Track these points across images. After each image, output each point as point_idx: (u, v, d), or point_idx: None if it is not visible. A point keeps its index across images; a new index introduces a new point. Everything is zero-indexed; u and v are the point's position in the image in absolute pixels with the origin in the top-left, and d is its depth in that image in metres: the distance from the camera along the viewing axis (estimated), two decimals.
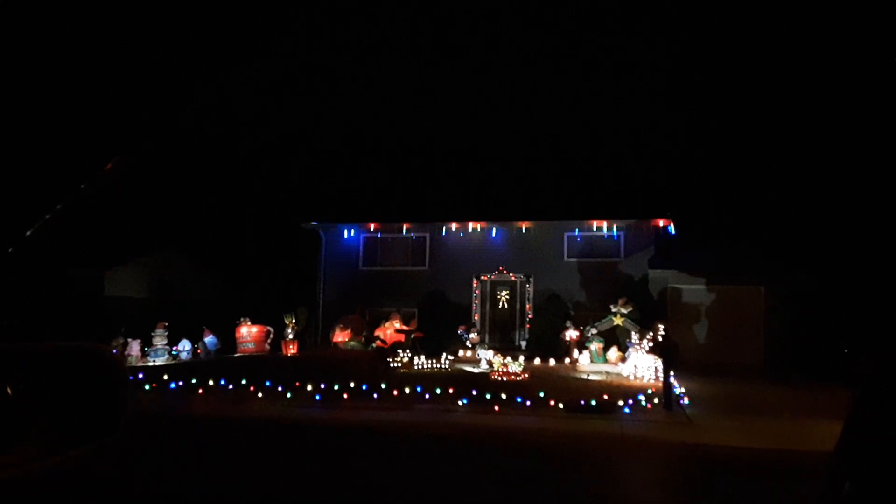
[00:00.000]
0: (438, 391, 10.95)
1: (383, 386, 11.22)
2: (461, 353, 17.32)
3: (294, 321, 18.09)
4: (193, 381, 11.96)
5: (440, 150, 27.76)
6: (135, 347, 16.66)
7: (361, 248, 21.20)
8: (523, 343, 19.04)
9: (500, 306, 20.05)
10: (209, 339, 18.14)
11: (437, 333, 17.79)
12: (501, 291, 20.06)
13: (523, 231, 19.73)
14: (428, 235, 20.68)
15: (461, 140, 28.44)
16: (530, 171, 23.53)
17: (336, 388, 11.23)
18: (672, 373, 10.44)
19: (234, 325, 18.58)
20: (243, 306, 19.91)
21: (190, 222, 27.37)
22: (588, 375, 13.64)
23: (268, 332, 18.47)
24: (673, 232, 19.18)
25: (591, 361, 15.79)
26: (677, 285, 18.37)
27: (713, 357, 17.28)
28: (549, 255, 19.62)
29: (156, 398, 11.36)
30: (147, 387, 11.88)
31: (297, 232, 21.74)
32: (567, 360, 16.23)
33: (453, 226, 20.28)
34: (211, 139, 28.77)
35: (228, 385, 11.81)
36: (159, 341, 17.05)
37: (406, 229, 20.59)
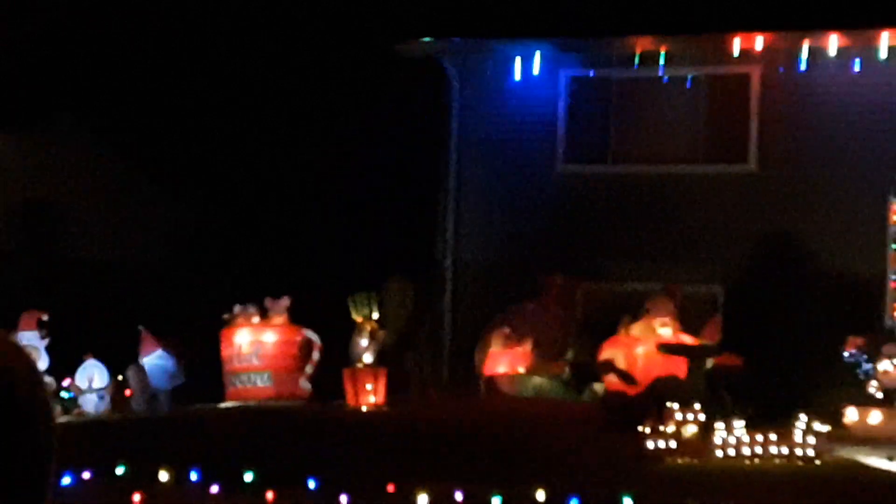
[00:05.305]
0: None
1: (629, 501, 12.50)
2: (853, 414, 16.60)
3: (373, 317, 17.30)
4: (119, 470, 13.39)
5: None
6: None
7: (563, 111, 19.46)
8: None
9: None
10: (154, 357, 17.56)
11: (779, 356, 17.65)
12: None
13: None
14: (753, 74, 19.30)
15: None
16: None
17: (498, 501, 13.13)
18: None
19: (220, 325, 17.86)
20: (242, 277, 20.40)
21: (117, 58, 26.05)
22: None
23: (307, 345, 17.38)
24: None
25: None
26: None
27: None
28: None
29: None
30: None
31: (389, 74, 21.68)
32: None
33: (831, 46, 18.62)
34: None
35: (209, 485, 13.11)
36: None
37: (684, 61, 19.34)
